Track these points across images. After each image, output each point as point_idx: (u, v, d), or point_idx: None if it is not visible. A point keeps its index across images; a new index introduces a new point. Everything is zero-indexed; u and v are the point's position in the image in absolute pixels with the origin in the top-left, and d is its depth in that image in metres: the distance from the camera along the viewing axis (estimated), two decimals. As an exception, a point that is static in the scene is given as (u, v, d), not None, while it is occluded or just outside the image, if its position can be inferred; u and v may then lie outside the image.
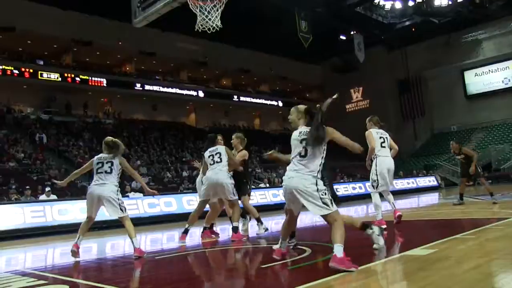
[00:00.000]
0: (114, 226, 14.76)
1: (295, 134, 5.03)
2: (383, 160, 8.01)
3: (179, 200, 17.27)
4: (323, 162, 4.80)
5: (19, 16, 30.41)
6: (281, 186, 5.68)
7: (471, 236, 6.06)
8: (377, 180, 8.00)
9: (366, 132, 8.17)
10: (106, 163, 7.40)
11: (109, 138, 7.70)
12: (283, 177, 4.93)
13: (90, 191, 7.32)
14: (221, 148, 8.36)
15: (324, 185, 4.65)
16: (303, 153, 4.81)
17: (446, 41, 43.65)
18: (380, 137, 8.12)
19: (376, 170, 8.00)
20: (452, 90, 43.85)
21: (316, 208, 4.52)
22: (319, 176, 4.69)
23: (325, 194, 4.58)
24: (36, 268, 6.58)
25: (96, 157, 7.55)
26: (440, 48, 43.77)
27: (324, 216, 4.59)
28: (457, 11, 39.56)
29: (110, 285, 4.53)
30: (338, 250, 4.35)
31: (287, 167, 4.93)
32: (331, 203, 4.57)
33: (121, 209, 7.30)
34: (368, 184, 9.16)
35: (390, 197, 8.28)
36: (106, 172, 7.36)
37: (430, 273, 3.99)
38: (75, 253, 7.05)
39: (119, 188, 7.51)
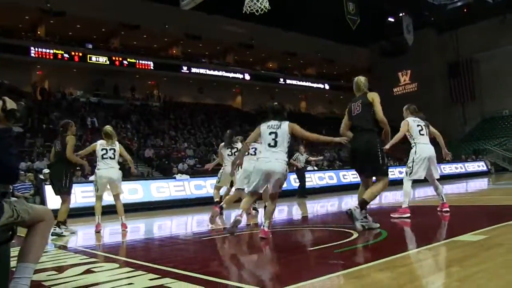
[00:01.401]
0: (160, 207, 15.05)
1: None
2: (423, 148, 7.77)
3: (202, 184, 17.40)
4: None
5: (69, 1, 31.00)
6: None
7: None
8: (412, 167, 7.76)
9: (403, 122, 7.97)
10: (110, 150, 8.75)
11: (109, 127, 9.19)
12: None
13: (101, 175, 8.70)
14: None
15: None
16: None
17: (501, 22, 42.01)
18: (418, 125, 7.91)
19: (414, 157, 7.78)
20: (506, 73, 42.20)
21: None
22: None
23: None
24: (88, 247, 6.76)
25: (98, 143, 8.86)
26: (494, 29, 42.21)
27: None
28: (514, -11, 38.05)
29: (157, 264, 4.57)
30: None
31: None
32: None
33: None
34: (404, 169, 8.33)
35: (439, 188, 8.01)
36: (110, 158, 8.71)
37: (482, 260, 3.86)
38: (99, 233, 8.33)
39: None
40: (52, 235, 7.60)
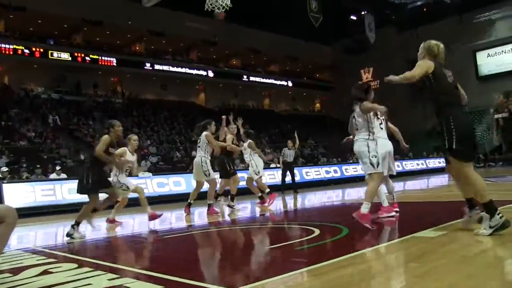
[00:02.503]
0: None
1: None
2: (383, 142, 7.25)
3: (188, 180, 17.27)
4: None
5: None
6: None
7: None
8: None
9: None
10: None
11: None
12: None
13: None
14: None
15: None
16: None
17: (458, 21, 43.10)
18: (378, 118, 7.37)
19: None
20: (464, 71, 43.17)
21: None
22: None
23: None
24: (46, 246, 6.67)
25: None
26: (452, 28, 43.20)
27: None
28: (470, -9, 39.09)
29: (117, 264, 4.57)
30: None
31: None
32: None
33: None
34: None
35: (391, 184, 7.56)
36: None
37: (440, 256, 4.00)
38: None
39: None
40: (66, 235, 7.32)
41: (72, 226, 7.37)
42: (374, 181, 5.94)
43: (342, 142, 7.37)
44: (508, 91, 9.65)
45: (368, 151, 5.99)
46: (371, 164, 5.97)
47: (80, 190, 7.69)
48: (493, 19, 42.59)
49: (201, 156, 9.92)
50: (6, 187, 13.73)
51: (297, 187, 17.33)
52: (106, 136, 7.65)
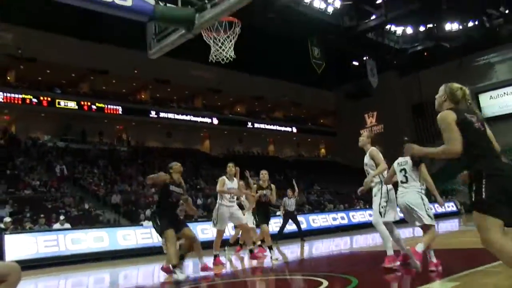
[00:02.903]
0: (126, 256, 14.78)
1: None
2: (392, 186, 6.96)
3: (194, 229, 16.96)
4: None
5: (39, 47, 31.20)
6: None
7: (495, 269, 5.66)
8: (386, 207, 6.78)
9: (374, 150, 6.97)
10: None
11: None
12: None
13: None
14: None
15: None
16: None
17: (458, 65, 43.61)
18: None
19: (385, 196, 6.84)
20: (467, 113, 43.52)
21: None
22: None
23: None
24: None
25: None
26: (453, 71, 43.60)
27: None
28: (468, 36, 39.69)
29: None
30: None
31: None
32: None
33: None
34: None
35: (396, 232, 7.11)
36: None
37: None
38: None
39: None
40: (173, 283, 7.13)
41: (173, 271, 7.22)
42: (433, 232, 6.26)
43: (359, 192, 7.22)
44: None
45: (424, 204, 6.28)
46: (429, 216, 6.26)
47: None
48: (492, 62, 43.13)
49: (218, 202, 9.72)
50: (8, 238, 13.55)
51: (303, 235, 17.02)
52: (162, 173, 7.82)
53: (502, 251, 3.58)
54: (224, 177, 9.48)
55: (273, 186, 10.53)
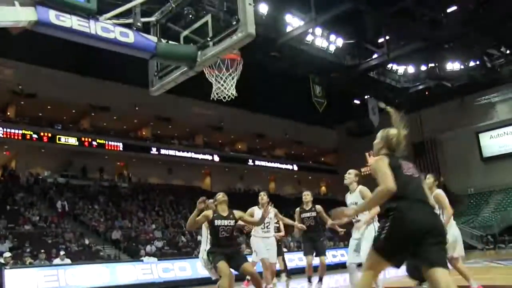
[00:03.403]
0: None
1: None
2: None
3: (193, 265, 16.99)
4: None
5: (41, 83, 31.45)
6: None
7: None
8: None
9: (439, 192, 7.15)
10: None
11: None
12: None
13: None
14: None
15: None
16: None
17: (459, 104, 43.82)
18: None
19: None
20: (468, 152, 43.55)
21: None
22: None
23: None
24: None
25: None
26: (454, 111, 43.87)
27: None
28: (470, 75, 39.93)
29: None
30: None
31: None
32: None
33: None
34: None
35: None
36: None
37: None
38: None
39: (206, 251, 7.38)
40: None
41: None
42: None
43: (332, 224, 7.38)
44: None
45: None
46: None
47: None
48: (493, 102, 43.29)
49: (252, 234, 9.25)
50: (8, 273, 13.49)
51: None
52: (207, 212, 7.21)
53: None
54: (255, 207, 8.96)
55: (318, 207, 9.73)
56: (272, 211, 8.76)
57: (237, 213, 7.24)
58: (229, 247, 7.02)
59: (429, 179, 7.01)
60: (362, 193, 6.72)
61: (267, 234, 8.75)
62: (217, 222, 6.91)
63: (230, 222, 7.01)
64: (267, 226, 8.75)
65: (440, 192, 6.79)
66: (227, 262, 6.66)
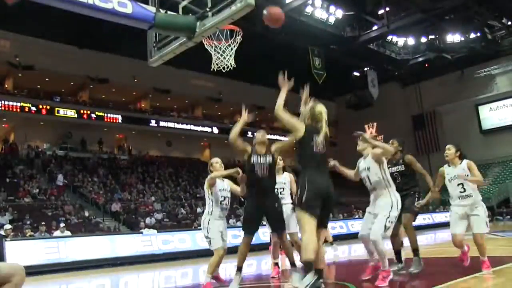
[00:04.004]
0: (126, 263, 14.76)
1: None
2: (398, 198, 6.16)
3: (193, 237, 17.14)
4: None
5: (38, 55, 31.16)
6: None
7: (491, 276, 5.89)
8: (392, 222, 5.94)
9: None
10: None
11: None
12: None
13: None
14: None
15: None
16: None
17: (459, 76, 43.72)
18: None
19: (393, 211, 5.96)
20: (467, 125, 43.59)
21: None
22: None
23: None
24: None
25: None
26: (454, 83, 43.79)
27: None
28: (470, 47, 39.74)
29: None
30: None
31: None
32: None
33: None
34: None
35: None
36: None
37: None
38: None
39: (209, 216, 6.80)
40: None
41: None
42: None
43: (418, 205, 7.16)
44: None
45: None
46: None
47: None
48: (493, 74, 43.17)
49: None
50: (9, 245, 13.57)
51: None
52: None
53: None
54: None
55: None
56: (288, 176, 8.62)
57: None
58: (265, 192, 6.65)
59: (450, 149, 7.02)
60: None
61: (282, 201, 7.48)
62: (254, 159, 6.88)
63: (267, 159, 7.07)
64: (281, 192, 8.05)
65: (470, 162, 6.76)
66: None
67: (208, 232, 6.60)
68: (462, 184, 6.50)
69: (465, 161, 6.72)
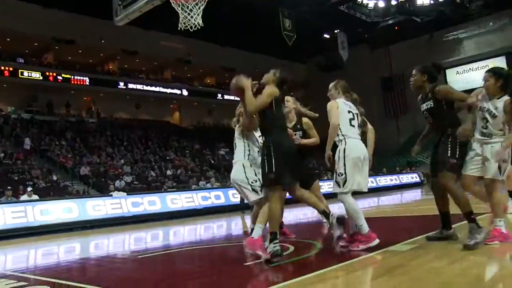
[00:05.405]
0: (96, 226, 14.75)
1: None
2: (354, 144, 5.44)
3: (163, 199, 17.21)
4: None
5: (-1, 14, 30.10)
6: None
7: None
8: (345, 174, 5.23)
9: (330, 103, 5.90)
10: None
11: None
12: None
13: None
14: None
15: None
16: None
17: (428, 40, 44.06)
18: (349, 111, 5.77)
19: (344, 159, 5.28)
20: (435, 87, 44.11)
21: None
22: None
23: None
24: (17, 270, 6.50)
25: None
26: (423, 46, 44.05)
27: None
28: (439, 10, 39.98)
29: (92, 285, 4.49)
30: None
31: None
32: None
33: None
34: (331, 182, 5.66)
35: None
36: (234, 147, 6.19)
37: (410, 268, 4.04)
38: None
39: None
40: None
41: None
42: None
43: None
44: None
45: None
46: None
47: None
48: (461, 37, 43.64)
49: None
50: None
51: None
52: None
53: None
54: None
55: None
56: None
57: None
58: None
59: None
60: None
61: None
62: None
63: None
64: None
65: None
66: None
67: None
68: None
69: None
